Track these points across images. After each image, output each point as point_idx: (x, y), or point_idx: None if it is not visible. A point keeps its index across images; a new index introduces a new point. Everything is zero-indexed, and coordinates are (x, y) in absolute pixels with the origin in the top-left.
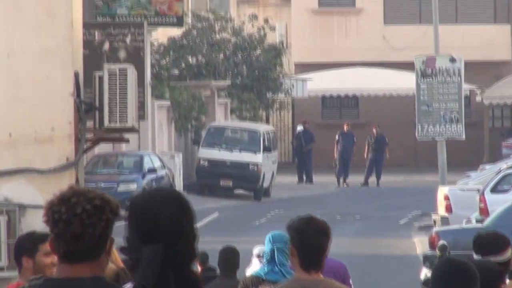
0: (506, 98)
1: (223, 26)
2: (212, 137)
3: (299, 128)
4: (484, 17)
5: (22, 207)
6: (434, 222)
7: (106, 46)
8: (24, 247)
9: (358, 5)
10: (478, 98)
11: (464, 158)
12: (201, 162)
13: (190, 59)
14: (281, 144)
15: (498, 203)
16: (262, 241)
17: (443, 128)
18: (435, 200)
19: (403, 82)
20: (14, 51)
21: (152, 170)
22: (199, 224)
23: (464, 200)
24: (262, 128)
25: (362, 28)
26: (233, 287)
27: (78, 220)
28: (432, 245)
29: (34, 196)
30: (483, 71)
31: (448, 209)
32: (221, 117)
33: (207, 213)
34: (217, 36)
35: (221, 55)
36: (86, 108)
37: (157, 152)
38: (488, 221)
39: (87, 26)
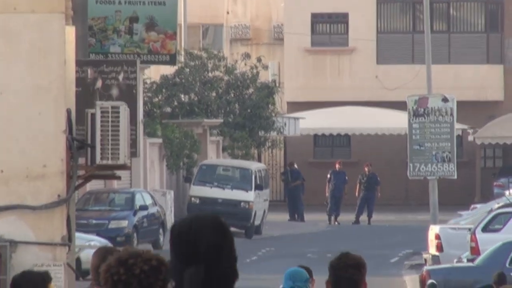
0: (498, 138)
1: (216, 64)
2: (204, 175)
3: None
4: (477, 58)
5: (13, 243)
6: (425, 260)
7: (99, 83)
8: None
9: (351, 45)
10: (470, 138)
11: (456, 197)
12: (193, 199)
13: (182, 97)
14: (272, 182)
15: (489, 243)
16: (253, 278)
17: (435, 167)
18: (426, 238)
19: (396, 122)
20: (7, 88)
21: (144, 207)
22: None
23: (455, 239)
24: (254, 166)
25: (355, 67)
26: None
27: (137, 281)
28: (422, 283)
29: (26, 233)
30: (476, 111)
31: (439, 248)
32: (213, 155)
33: None
34: (210, 74)
35: (214, 93)
36: (78, 145)
37: (148, 190)
38: (479, 260)
39: (80, 63)
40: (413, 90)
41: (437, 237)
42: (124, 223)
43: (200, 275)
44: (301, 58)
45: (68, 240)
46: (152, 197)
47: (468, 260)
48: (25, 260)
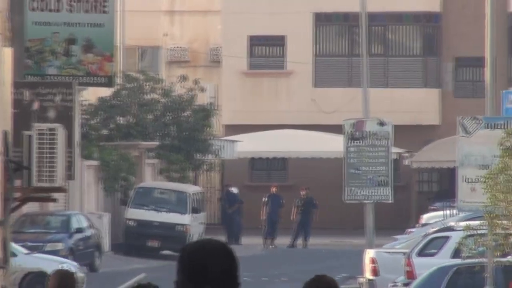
0: (434, 163)
1: (153, 86)
2: (140, 198)
3: (233, 189)
4: (414, 82)
5: None
6: (361, 285)
7: (36, 105)
8: None
9: (288, 68)
10: (406, 162)
11: (392, 222)
12: (129, 222)
13: (119, 119)
14: (209, 206)
15: (424, 267)
16: None
17: (371, 191)
18: (362, 263)
19: (332, 145)
20: None
21: (80, 230)
22: (125, 285)
23: (390, 263)
24: (190, 189)
25: (292, 90)
26: None
27: None
28: None
29: None
30: (412, 135)
31: (375, 272)
32: (150, 177)
33: (134, 273)
34: (147, 96)
35: (151, 116)
36: (14, 167)
37: (84, 212)
38: (414, 284)
39: (16, 85)
40: (350, 113)
41: (373, 261)
42: (60, 246)
43: None
44: (238, 81)
45: (4, 263)
46: (88, 219)
47: (404, 285)
48: None
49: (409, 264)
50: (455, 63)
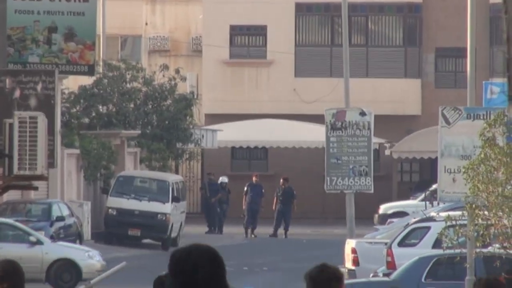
0: (415, 153)
1: (134, 75)
2: (121, 186)
3: (222, 179)
4: (395, 72)
5: None
6: None
7: (17, 93)
8: None
9: (269, 57)
10: (387, 152)
11: (373, 212)
12: (110, 211)
13: (100, 108)
14: (190, 194)
15: (405, 257)
16: None
17: (351, 181)
18: (343, 252)
19: (313, 135)
20: None
21: (61, 218)
22: (105, 274)
23: (371, 253)
24: (171, 178)
25: (273, 80)
26: None
27: None
28: None
29: None
30: (393, 125)
31: (355, 262)
32: (131, 166)
33: (115, 262)
34: (128, 85)
35: (132, 104)
36: None
37: (65, 200)
38: (395, 274)
39: None
40: (331, 103)
41: (354, 251)
42: (41, 234)
43: None
44: (220, 70)
45: None
46: (69, 208)
47: (384, 275)
48: None
49: (390, 254)
50: (436, 54)
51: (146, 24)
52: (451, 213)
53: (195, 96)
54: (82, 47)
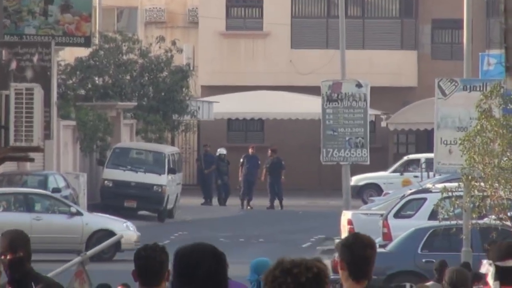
0: (411, 124)
1: (130, 47)
2: (117, 158)
3: (220, 150)
4: (391, 43)
5: None
6: (337, 246)
7: (13, 65)
8: None
9: (265, 29)
10: (383, 124)
11: None
12: (106, 182)
13: (96, 80)
14: (186, 166)
15: (401, 228)
16: None
17: (348, 153)
18: (339, 224)
19: (309, 106)
20: None
21: (57, 190)
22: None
23: (367, 225)
24: (167, 149)
25: (269, 51)
26: None
27: None
28: (334, 269)
29: None
30: (390, 96)
31: None
32: (127, 138)
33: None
34: (124, 57)
35: (128, 76)
36: None
37: (61, 172)
38: (391, 246)
39: None
40: (327, 75)
41: (350, 222)
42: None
43: None
44: (216, 42)
45: None
46: (65, 179)
47: (380, 246)
48: None
49: (386, 225)
50: (433, 25)
51: None
52: (447, 184)
53: (191, 68)
54: (78, 18)
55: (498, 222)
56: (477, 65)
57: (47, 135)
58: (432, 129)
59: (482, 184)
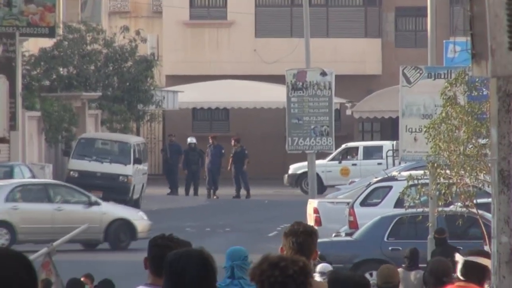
0: (376, 112)
1: (94, 37)
2: (83, 148)
3: (190, 140)
4: (355, 32)
5: None
6: None
7: None
8: None
9: (229, 18)
10: (348, 112)
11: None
12: (71, 173)
13: (61, 70)
14: (151, 156)
15: (367, 217)
16: (130, 251)
17: (313, 141)
18: (305, 213)
19: (274, 95)
20: None
21: None
22: (67, 237)
23: (333, 213)
24: (132, 140)
25: (234, 41)
26: None
27: (291, 281)
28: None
29: None
30: (354, 85)
31: (318, 222)
32: (92, 128)
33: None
34: (89, 47)
35: (92, 67)
36: None
37: (27, 163)
38: (357, 234)
39: None
40: (291, 63)
41: (316, 211)
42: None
43: None
44: (180, 32)
45: None
46: (30, 170)
47: (347, 234)
48: None
49: (352, 214)
50: (396, 13)
51: None
52: (413, 172)
53: (156, 58)
54: (42, 9)
55: (464, 209)
56: (441, 52)
57: (13, 126)
58: (397, 117)
59: (448, 171)
